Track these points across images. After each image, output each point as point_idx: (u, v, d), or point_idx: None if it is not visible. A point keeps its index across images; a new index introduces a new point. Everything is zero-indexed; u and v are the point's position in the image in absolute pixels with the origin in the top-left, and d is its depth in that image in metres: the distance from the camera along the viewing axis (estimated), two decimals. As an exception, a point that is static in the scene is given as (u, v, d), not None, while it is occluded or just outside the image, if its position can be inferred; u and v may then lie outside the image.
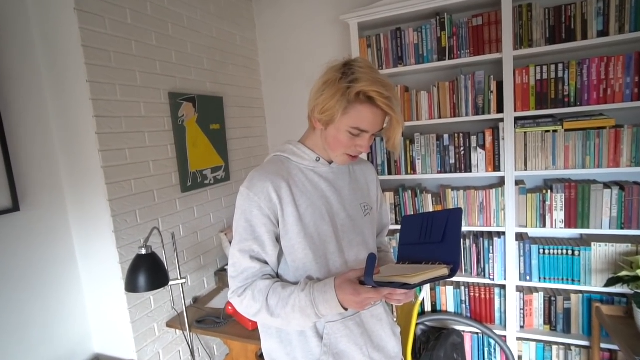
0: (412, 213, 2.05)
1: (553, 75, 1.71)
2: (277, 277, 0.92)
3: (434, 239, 0.79)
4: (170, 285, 1.65)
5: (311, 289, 0.80)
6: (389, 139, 0.87)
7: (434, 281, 0.72)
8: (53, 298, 1.49)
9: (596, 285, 1.76)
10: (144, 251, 1.36)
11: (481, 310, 2.01)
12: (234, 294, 0.87)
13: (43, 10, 1.42)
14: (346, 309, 0.78)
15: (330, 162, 0.94)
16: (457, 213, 0.78)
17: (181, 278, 1.56)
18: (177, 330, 1.78)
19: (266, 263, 0.88)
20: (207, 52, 2.05)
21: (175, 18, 1.83)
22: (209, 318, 1.71)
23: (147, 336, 1.64)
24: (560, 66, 1.70)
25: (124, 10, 1.56)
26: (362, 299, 0.74)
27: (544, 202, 1.79)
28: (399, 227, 2.06)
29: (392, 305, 2.19)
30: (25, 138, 1.41)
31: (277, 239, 0.88)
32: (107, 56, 1.49)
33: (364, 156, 2.10)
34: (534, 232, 1.94)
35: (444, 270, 0.72)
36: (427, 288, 2.09)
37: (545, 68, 1.72)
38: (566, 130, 1.73)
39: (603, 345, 1.77)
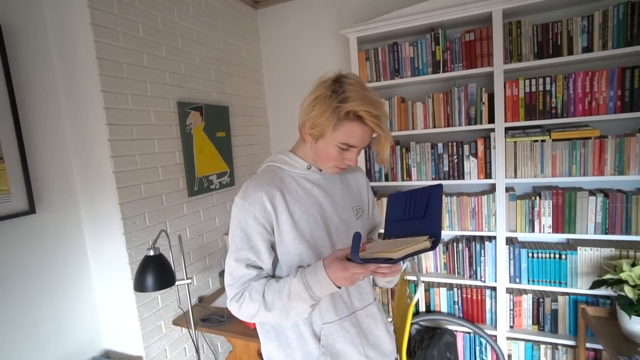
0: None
1: (541, 88, 1.73)
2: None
3: (417, 215, 0.79)
4: (177, 285, 1.65)
5: (303, 273, 0.79)
6: (377, 153, 0.87)
7: (417, 254, 0.71)
8: (66, 296, 1.51)
9: (582, 288, 1.77)
10: (152, 252, 1.38)
11: (473, 310, 2.02)
12: (232, 300, 0.86)
13: (61, 24, 1.45)
14: (339, 287, 0.77)
15: (321, 170, 0.93)
16: (437, 189, 0.77)
17: (187, 278, 1.58)
18: (183, 328, 1.79)
19: (261, 269, 0.87)
20: (214, 64, 2.07)
21: (184, 31, 1.86)
22: (214, 317, 1.72)
23: (155, 333, 1.66)
24: (548, 79, 1.73)
25: (136, 24, 1.59)
26: (350, 274, 0.73)
27: (533, 208, 1.81)
28: None
29: (387, 305, 2.20)
30: (41, 144, 1.44)
31: (272, 247, 0.87)
32: (120, 67, 1.51)
33: (359, 163, 2.12)
34: (523, 236, 1.95)
35: (426, 243, 0.72)
36: (421, 289, 2.09)
37: (533, 81, 1.74)
38: (554, 140, 1.74)
39: (588, 345, 1.78)
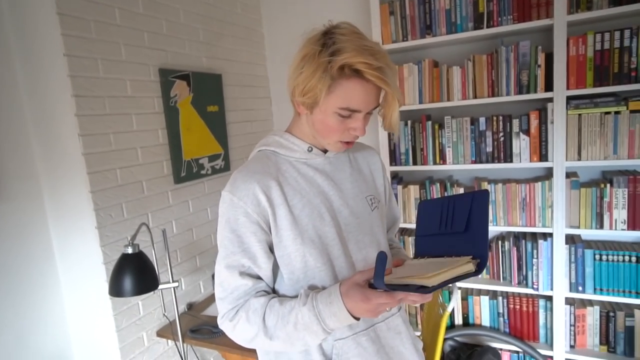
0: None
1: (617, 44, 1.64)
2: (274, 292, 0.90)
3: (456, 228, 0.77)
4: (161, 290, 1.65)
5: (314, 302, 0.77)
6: (384, 117, 0.84)
7: (459, 280, 0.69)
8: (28, 302, 1.50)
9: (666, 300, 1.71)
10: (130, 250, 1.37)
11: (522, 325, 1.98)
12: (224, 318, 0.84)
13: (11, -32, 1.42)
14: (357, 319, 0.75)
15: (325, 151, 0.92)
16: (482, 196, 0.76)
17: (173, 281, 1.56)
18: (169, 341, 1.79)
19: (259, 278, 0.85)
20: (203, 22, 2.04)
21: None
22: (205, 327, 1.71)
23: (135, 347, 1.65)
24: (627, 32, 1.62)
25: (106, -29, 1.55)
26: (373, 305, 0.71)
27: (602, 198, 1.74)
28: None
29: (415, 316, 2.15)
30: None
31: (271, 248, 0.86)
32: (87, 26, 1.48)
33: (381, 142, 2.08)
34: (589, 234, 1.90)
35: (469, 266, 0.70)
36: (457, 297, 2.05)
37: (607, 36, 1.65)
38: (632, 112, 1.66)
39: (673, 372, 1.70)
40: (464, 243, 0.75)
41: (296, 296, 0.83)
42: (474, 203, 0.76)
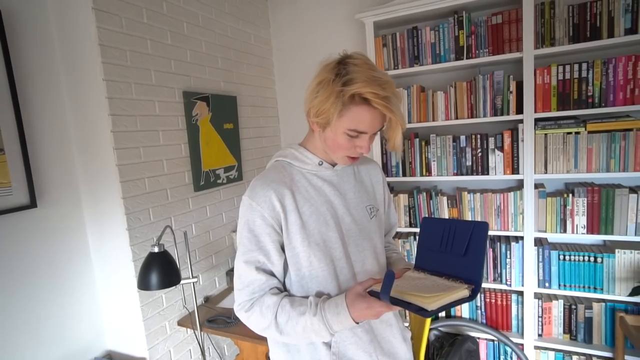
0: (427, 215, 2.05)
1: (576, 75, 1.68)
2: (284, 288, 0.92)
3: (455, 251, 0.77)
4: (182, 284, 1.66)
5: (323, 312, 0.80)
6: (389, 139, 0.85)
7: (454, 305, 0.69)
8: (67, 295, 1.52)
9: (620, 294, 1.72)
10: (156, 249, 1.38)
11: (497, 316, 1.99)
12: (240, 307, 0.86)
13: (62, 9, 1.46)
14: (358, 323, 0.79)
15: (334, 165, 0.93)
16: (482, 227, 0.75)
17: (193, 277, 1.58)
18: (188, 329, 1.79)
19: (272, 275, 0.87)
20: (222, 51, 2.07)
21: (190, 17, 1.85)
22: (220, 318, 1.73)
23: (159, 334, 1.67)
24: (584, 65, 1.67)
25: (140, 9, 1.59)
26: (376, 311, 0.75)
27: (565, 206, 1.77)
28: (410, 229, 2.09)
29: (404, 310, 2.17)
30: (42, 135, 1.45)
31: (282, 248, 0.87)
32: (123, 55, 1.52)
33: (375, 156, 2.11)
34: (554, 237, 1.91)
35: (465, 292, 0.70)
36: None
37: (568, 67, 1.69)
38: (589, 132, 1.69)
39: (628, 358, 1.72)
40: (461, 266, 0.74)
41: (304, 296, 0.86)
42: (474, 232, 0.75)
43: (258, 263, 0.85)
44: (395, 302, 0.71)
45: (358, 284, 0.80)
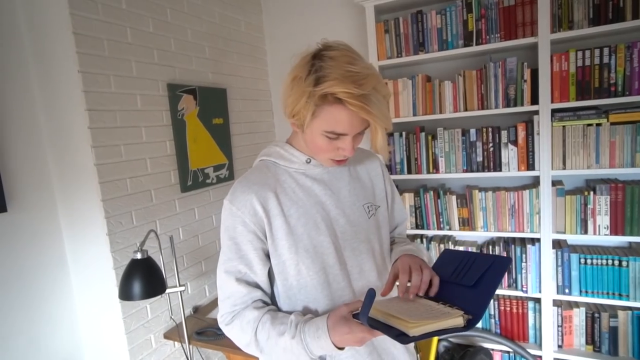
0: (435, 218, 2.01)
1: (597, 61, 1.63)
2: (270, 299, 0.89)
3: (465, 281, 0.75)
4: (168, 293, 1.61)
5: (302, 335, 0.76)
6: (371, 140, 0.79)
7: (443, 334, 0.65)
8: (42, 305, 1.48)
9: (648, 301, 1.67)
10: (139, 256, 1.35)
11: (512, 326, 1.95)
12: (222, 319, 0.85)
13: (30, -6, 1.41)
14: (342, 348, 0.75)
15: None
16: (503, 262, 0.75)
17: (180, 285, 1.55)
18: (176, 342, 1.76)
19: (255, 286, 0.84)
20: (209, 40, 2.03)
21: (174, 3, 1.81)
22: (210, 329, 1.68)
23: (143, 348, 1.62)
24: (606, 50, 1.61)
25: (118, -6, 1.55)
26: (358, 338, 0.71)
27: (586, 205, 1.72)
28: (417, 232, 2.04)
29: None
30: (11, 134, 1.40)
31: (267, 256, 0.85)
32: (100, 44, 1.48)
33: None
34: (574, 239, 1.87)
35: (459, 320, 0.66)
36: None
37: (587, 53, 1.64)
38: (612, 124, 1.65)
39: (656, 370, 1.66)
40: (466, 297, 0.73)
41: (290, 311, 0.83)
42: (493, 265, 0.74)
43: (239, 273, 0.83)
44: (375, 325, 0.68)
45: (344, 305, 0.76)
